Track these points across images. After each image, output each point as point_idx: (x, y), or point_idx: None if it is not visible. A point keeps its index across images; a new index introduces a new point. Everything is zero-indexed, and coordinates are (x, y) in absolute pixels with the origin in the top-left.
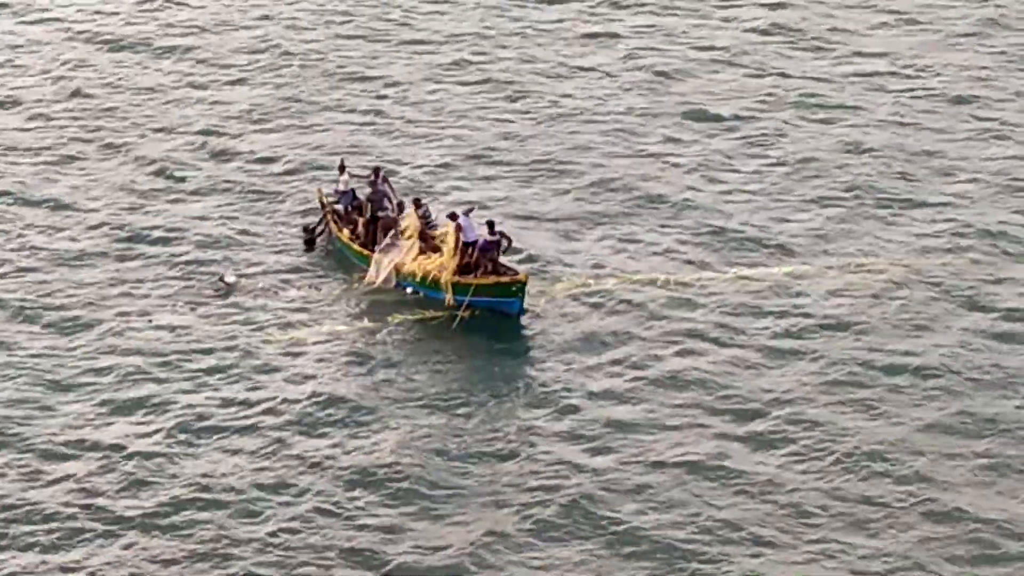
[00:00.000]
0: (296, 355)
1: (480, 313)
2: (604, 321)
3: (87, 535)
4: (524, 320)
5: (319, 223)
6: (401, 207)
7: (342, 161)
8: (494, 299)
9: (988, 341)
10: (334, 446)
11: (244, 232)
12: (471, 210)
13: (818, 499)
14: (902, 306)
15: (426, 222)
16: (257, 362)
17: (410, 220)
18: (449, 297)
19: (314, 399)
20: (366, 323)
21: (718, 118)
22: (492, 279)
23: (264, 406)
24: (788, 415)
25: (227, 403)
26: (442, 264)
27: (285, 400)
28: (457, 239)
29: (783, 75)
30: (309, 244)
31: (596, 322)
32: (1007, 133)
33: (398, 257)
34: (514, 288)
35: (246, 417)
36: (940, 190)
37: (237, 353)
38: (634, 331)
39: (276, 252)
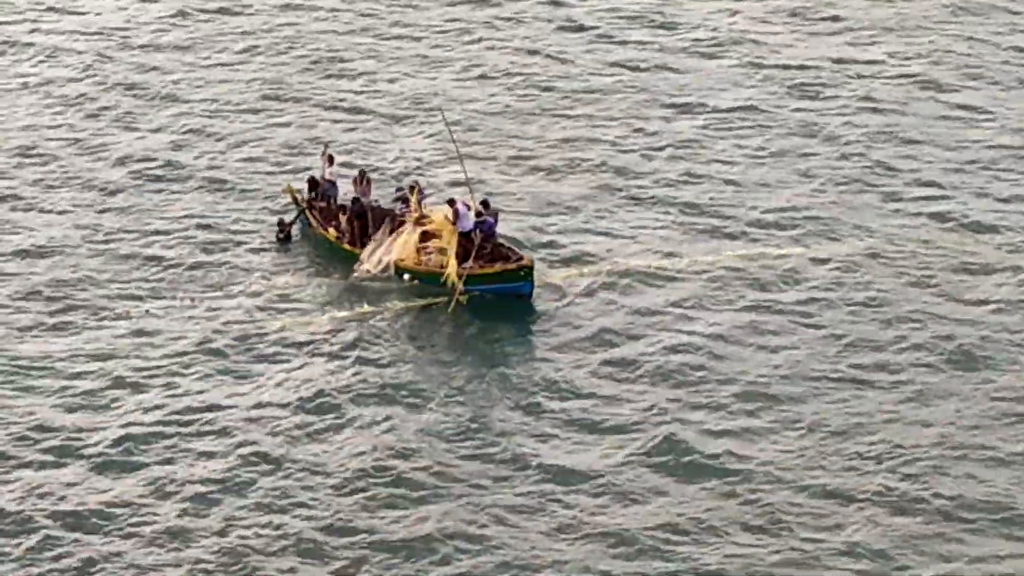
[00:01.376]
0: (294, 343)
1: (478, 296)
2: (606, 306)
3: (46, 530)
4: (525, 305)
5: (295, 218)
6: (406, 199)
7: (329, 151)
8: (504, 284)
9: (961, 327)
10: (331, 430)
11: (220, 226)
12: (483, 201)
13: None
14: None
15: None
16: (254, 350)
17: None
18: (460, 288)
19: (312, 385)
20: (365, 308)
21: (701, 105)
22: (498, 267)
23: (260, 394)
24: (787, 402)
25: (222, 391)
26: (443, 259)
27: (282, 387)
28: (453, 223)
29: (759, 60)
30: (284, 238)
31: (599, 307)
32: (976, 118)
33: (395, 250)
34: (523, 272)
35: (240, 405)
36: (913, 174)
37: (231, 343)
38: (635, 317)
39: (256, 246)
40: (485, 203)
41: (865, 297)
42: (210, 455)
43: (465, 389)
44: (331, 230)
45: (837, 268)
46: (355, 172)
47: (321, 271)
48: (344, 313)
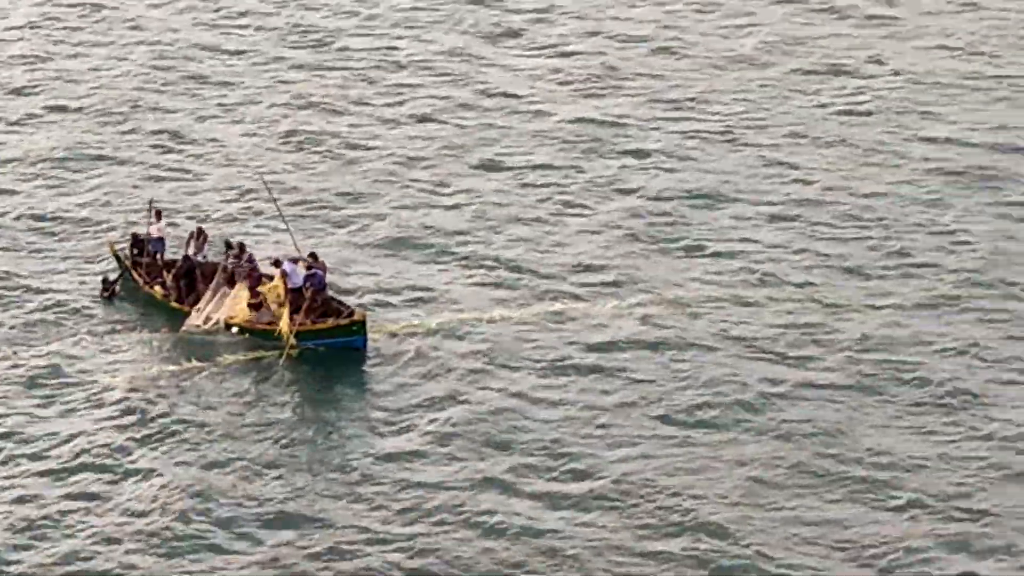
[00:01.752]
0: (116, 399)
1: (311, 349)
2: (430, 362)
3: None
4: (354, 359)
5: (119, 276)
6: (241, 248)
7: (154, 206)
8: (337, 339)
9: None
10: (143, 483)
11: (40, 284)
12: (301, 258)
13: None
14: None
15: (252, 267)
16: (73, 406)
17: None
18: (292, 342)
19: (127, 441)
20: (193, 363)
21: (505, 162)
22: (331, 322)
23: (74, 449)
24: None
25: (38, 447)
26: (274, 314)
27: (97, 442)
28: (285, 286)
29: (559, 116)
30: (108, 296)
31: (422, 364)
32: (783, 174)
33: (225, 306)
34: (354, 328)
35: (53, 461)
36: (720, 228)
37: (50, 399)
38: (454, 374)
39: (78, 304)
40: (313, 255)
41: (673, 351)
42: (13, 512)
43: (283, 443)
44: (157, 288)
45: (646, 322)
46: (190, 228)
47: (147, 327)
48: (170, 368)
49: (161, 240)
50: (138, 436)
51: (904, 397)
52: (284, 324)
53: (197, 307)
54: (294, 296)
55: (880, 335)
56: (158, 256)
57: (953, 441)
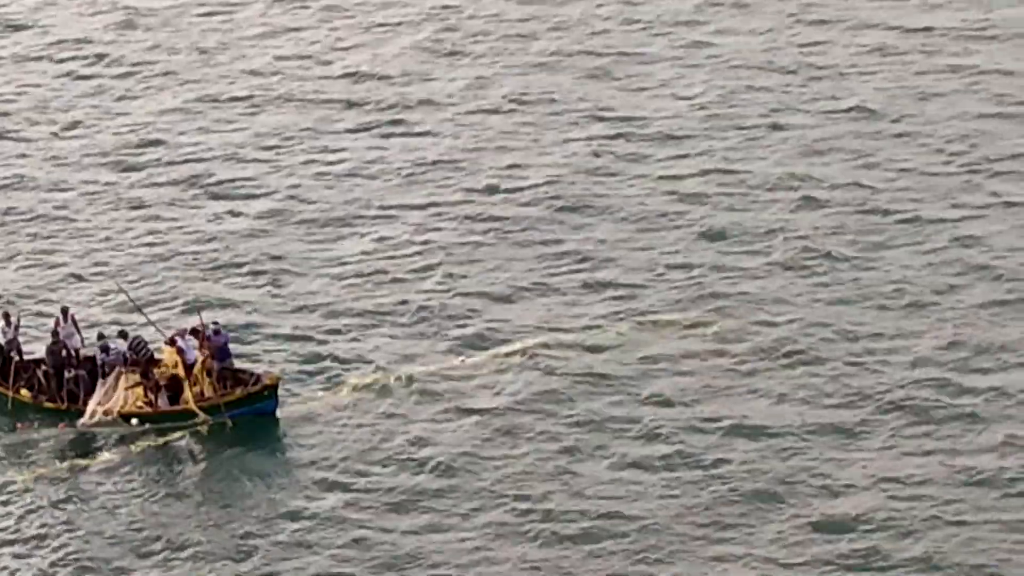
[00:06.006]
0: (39, 504)
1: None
2: (346, 425)
3: None
4: (269, 429)
5: None
6: (123, 336)
7: (4, 309)
8: (248, 408)
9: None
10: None
11: None
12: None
13: None
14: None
15: (136, 353)
16: None
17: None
18: (205, 418)
19: (57, 543)
20: (105, 456)
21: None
22: (240, 391)
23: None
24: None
25: None
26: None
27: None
28: (183, 363)
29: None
30: None
31: (337, 420)
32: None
33: (117, 397)
34: (267, 393)
35: None
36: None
37: None
38: (374, 434)
39: None
40: (215, 325)
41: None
42: None
43: (209, 526)
44: (24, 391)
45: (555, 367)
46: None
47: (34, 429)
48: (79, 462)
49: (14, 341)
50: (54, 525)
51: None
52: (191, 402)
53: (90, 403)
54: (190, 372)
55: None
56: (18, 356)
57: None
